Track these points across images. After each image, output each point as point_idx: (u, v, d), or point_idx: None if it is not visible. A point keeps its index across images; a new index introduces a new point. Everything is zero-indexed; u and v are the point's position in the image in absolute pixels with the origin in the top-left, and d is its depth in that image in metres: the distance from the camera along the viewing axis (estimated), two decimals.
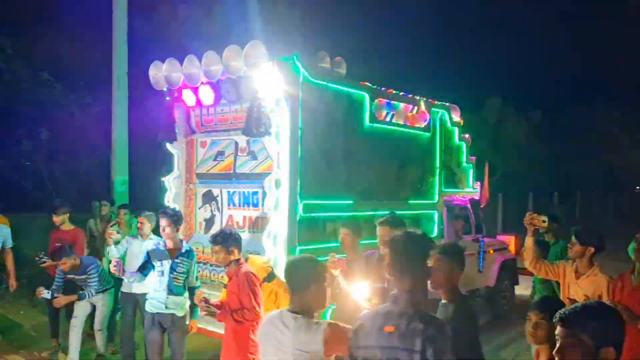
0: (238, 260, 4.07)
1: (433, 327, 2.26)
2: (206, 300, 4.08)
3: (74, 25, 13.14)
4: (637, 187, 32.42)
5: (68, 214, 6.42)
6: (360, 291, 3.77)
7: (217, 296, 4.95)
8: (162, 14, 13.42)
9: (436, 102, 7.20)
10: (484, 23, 24.41)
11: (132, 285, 5.65)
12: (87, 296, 5.84)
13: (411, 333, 2.25)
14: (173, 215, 4.99)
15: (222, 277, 5.63)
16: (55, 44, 13.07)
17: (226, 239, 4.08)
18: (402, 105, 6.63)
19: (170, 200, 6.40)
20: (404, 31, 19.52)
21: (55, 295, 5.77)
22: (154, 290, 5.00)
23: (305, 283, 2.63)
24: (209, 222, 6.35)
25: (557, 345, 2.00)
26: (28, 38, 13.15)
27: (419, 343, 2.22)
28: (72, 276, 5.93)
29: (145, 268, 5.01)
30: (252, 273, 4.04)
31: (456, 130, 7.57)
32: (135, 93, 10.19)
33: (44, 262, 6.06)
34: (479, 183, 8.14)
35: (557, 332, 2.00)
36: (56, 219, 6.33)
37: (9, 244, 6.20)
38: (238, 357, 3.97)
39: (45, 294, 5.71)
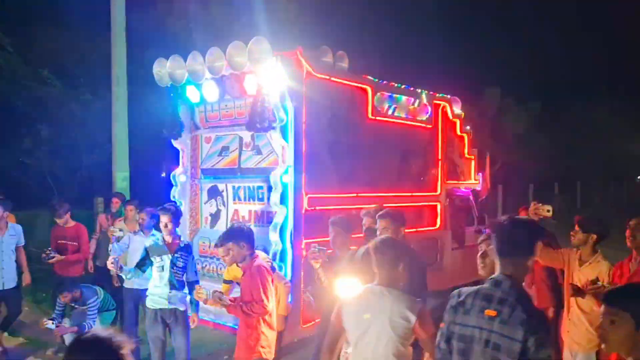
0: (252, 254, 4.12)
1: (535, 318, 2.30)
2: (221, 293, 4.15)
3: (73, 22, 13.13)
4: (638, 177, 32.47)
5: (69, 212, 6.47)
6: (342, 288, 3.67)
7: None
8: (163, 10, 13.42)
9: (438, 95, 7.25)
10: (482, 14, 24.37)
11: (134, 281, 5.67)
12: (86, 328, 5.83)
13: (513, 322, 2.28)
14: (174, 211, 5.04)
15: (222, 270, 5.69)
16: (55, 42, 13.07)
17: (236, 235, 4.13)
18: (404, 98, 6.69)
19: (176, 195, 6.46)
20: (402, 23, 19.48)
21: (58, 324, 5.83)
22: (153, 287, 5.05)
23: (396, 262, 2.95)
24: (215, 216, 6.41)
25: (600, 322, 2.10)
26: (27, 36, 13.14)
27: (521, 333, 2.26)
28: (72, 304, 6.00)
29: (143, 264, 5.05)
30: (264, 266, 4.09)
31: (458, 122, 7.62)
32: (135, 89, 10.22)
33: (53, 257, 6.11)
34: (480, 174, 8.21)
35: (601, 309, 2.10)
36: (60, 220, 6.37)
37: (22, 242, 6.26)
38: (249, 349, 4.04)
39: (49, 324, 5.76)
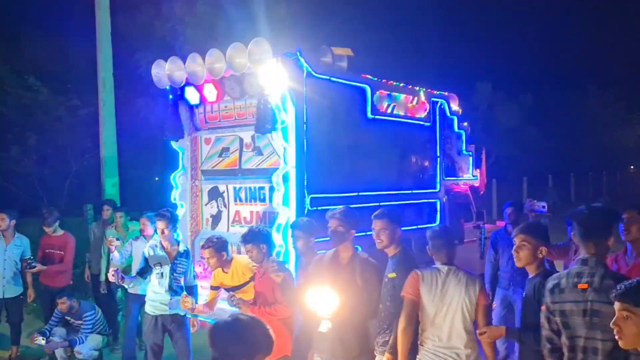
0: (271, 255, 4.15)
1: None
2: (237, 297, 4.18)
3: (59, 28, 13.05)
4: (631, 167, 32.78)
5: (58, 221, 6.40)
6: (314, 301, 3.63)
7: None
8: (151, 14, 13.36)
9: (435, 92, 7.29)
10: (472, 9, 24.45)
11: (138, 287, 5.66)
12: (77, 342, 5.88)
13: (606, 288, 2.60)
14: (170, 217, 5.01)
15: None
16: (40, 48, 12.98)
17: (256, 237, 4.16)
18: (402, 96, 6.71)
19: (176, 197, 6.45)
20: (394, 21, 19.52)
21: (49, 339, 5.82)
22: (153, 293, 5.05)
23: (453, 243, 3.62)
24: (216, 218, 6.40)
25: (614, 318, 2.21)
26: (12, 43, 13.04)
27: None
28: (68, 318, 6.02)
29: (144, 272, 5.06)
30: (286, 267, 4.13)
31: (455, 118, 7.67)
32: (124, 93, 10.17)
33: (34, 267, 6.08)
34: (478, 170, 8.26)
35: (615, 306, 2.23)
36: (48, 229, 6.32)
37: (27, 254, 6.22)
38: (275, 349, 4.04)
39: (39, 340, 5.75)
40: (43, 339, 5.79)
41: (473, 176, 8.10)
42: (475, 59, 22.12)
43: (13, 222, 6.19)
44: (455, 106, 7.69)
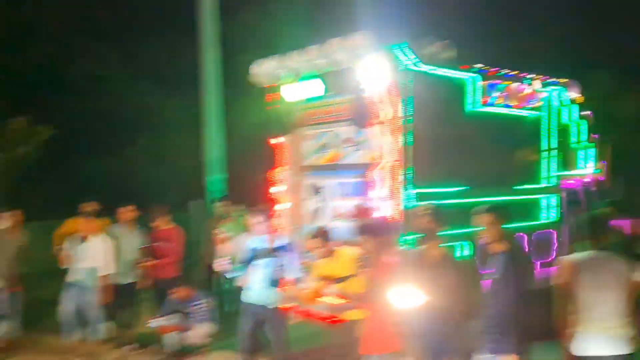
0: (378, 249, 4.13)
1: None
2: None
3: (171, 33, 13.85)
4: None
5: (165, 215, 6.82)
6: (398, 296, 3.66)
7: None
8: (256, 15, 13.76)
9: (549, 80, 6.74)
10: None
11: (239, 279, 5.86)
12: (189, 329, 6.11)
13: None
14: (264, 212, 5.18)
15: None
16: (153, 52, 13.87)
17: (370, 229, 4.17)
18: (511, 85, 6.28)
19: (277, 193, 6.57)
20: (504, 7, 18.45)
21: (161, 323, 6.13)
22: (251, 282, 5.19)
23: (606, 230, 3.72)
24: (316, 213, 6.45)
25: None
26: (127, 48, 14.05)
27: None
28: (181, 306, 6.24)
29: (249, 263, 5.22)
30: (392, 263, 4.08)
31: (574, 107, 7.03)
32: (230, 92, 10.54)
33: (144, 263, 6.52)
34: (602, 163, 7.50)
35: None
36: (154, 224, 6.80)
37: (144, 244, 6.75)
38: (384, 342, 3.98)
39: (155, 322, 6.10)
40: (163, 319, 6.18)
41: (595, 169, 7.37)
42: (595, 43, 20.22)
43: (138, 213, 6.74)
44: (574, 94, 7.04)
